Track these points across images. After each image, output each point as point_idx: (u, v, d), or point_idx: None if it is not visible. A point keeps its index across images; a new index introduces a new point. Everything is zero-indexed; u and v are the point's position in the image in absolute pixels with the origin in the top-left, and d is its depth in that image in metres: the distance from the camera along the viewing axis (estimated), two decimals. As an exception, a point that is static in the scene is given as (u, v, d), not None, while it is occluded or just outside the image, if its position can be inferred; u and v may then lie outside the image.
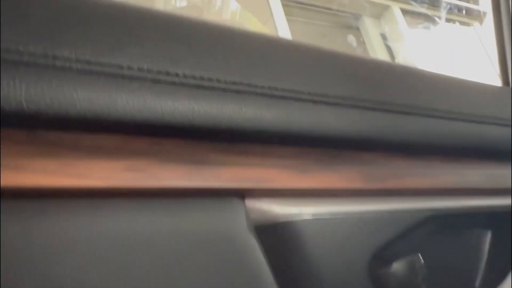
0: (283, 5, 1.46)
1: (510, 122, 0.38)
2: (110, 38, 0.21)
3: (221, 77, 0.24)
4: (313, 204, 0.28)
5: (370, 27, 1.66)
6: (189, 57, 0.23)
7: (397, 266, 0.32)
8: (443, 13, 1.83)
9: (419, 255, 0.32)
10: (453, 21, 1.86)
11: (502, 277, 0.39)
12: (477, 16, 1.89)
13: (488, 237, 0.38)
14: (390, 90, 0.32)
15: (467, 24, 1.89)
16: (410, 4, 1.73)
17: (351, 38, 1.57)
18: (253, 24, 1.88)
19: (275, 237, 0.27)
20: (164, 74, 0.22)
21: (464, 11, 1.86)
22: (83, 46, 0.20)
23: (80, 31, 0.21)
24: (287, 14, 1.47)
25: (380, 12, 1.69)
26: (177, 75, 0.23)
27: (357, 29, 1.68)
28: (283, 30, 1.45)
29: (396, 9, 1.68)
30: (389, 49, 1.65)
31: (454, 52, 1.82)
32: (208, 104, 0.23)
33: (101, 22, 0.22)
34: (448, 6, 1.83)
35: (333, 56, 0.31)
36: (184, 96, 0.22)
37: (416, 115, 0.32)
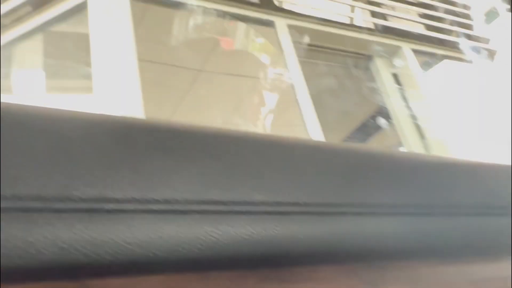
0: (295, 47, 1.48)
1: None
2: (156, 172, 0.21)
3: (268, 199, 0.23)
4: None
5: (381, 68, 1.67)
6: (232, 182, 0.23)
7: None
8: (454, 52, 1.83)
9: None
10: (465, 60, 1.87)
11: None
12: (488, 53, 1.90)
13: None
14: (431, 190, 0.31)
15: (478, 62, 1.89)
16: (421, 44, 1.74)
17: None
18: (268, 50, 1.89)
19: None
20: (211, 204, 0.22)
21: (475, 50, 1.87)
22: (132, 185, 0.20)
23: (128, 168, 0.21)
24: (299, 55, 1.48)
25: (392, 53, 1.70)
26: (223, 203, 0.22)
27: (368, 69, 1.69)
28: (295, 70, 1.46)
29: (407, 49, 1.69)
30: (400, 89, 1.66)
31: (467, 90, 1.82)
32: (256, 229, 0.23)
33: (147, 155, 0.22)
34: (459, 45, 1.84)
35: (370, 157, 0.30)
36: (231, 224, 0.22)
37: (458, 215, 0.31)
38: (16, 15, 1.37)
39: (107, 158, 0.21)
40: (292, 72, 1.42)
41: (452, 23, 1.85)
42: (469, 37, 1.88)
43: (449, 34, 1.83)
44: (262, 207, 0.23)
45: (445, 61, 1.86)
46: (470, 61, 1.87)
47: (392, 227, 0.27)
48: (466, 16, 1.92)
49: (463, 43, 1.85)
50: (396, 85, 1.66)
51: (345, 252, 0.25)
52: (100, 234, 0.19)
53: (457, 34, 1.85)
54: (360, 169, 0.29)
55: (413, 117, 1.61)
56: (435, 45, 1.79)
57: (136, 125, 0.23)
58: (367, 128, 1.95)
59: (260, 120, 2.14)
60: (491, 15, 2.03)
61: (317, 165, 0.27)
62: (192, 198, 0.21)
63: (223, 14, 1.54)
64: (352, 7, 1.72)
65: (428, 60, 1.81)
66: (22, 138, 0.20)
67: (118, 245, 0.19)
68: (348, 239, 0.25)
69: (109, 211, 0.19)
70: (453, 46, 1.84)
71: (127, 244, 0.19)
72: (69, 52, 1.57)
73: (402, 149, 1.64)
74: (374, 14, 1.71)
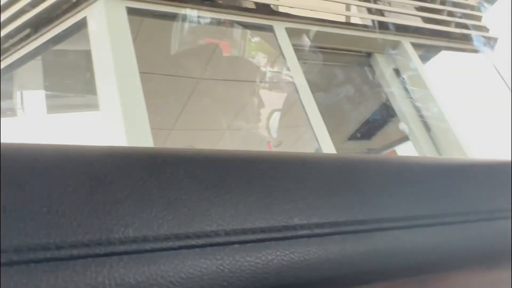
0: (295, 50, 1.48)
1: None
2: (191, 205, 0.21)
3: (306, 222, 0.23)
4: None
5: (382, 64, 1.67)
6: (269, 208, 0.23)
7: None
8: (454, 43, 1.83)
9: None
10: (464, 50, 1.87)
11: None
12: (488, 42, 1.90)
13: None
14: (467, 196, 0.31)
15: (478, 51, 1.89)
16: (420, 37, 1.74)
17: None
18: (266, 49, 1.90)
19: None
20: (250, 233, 0.22)
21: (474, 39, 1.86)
22: (169, 221, 0.20)
23: (163, 204, 0.21)
24: (299, 58, 1.49)
25: (392, 48, 1.70)
26: (262, 231, 0.22)
27: (370, 66, 1.69)
28: (297, 73, 1.46)
29: (407, 43, 1.69)
30: (403, 84, 1.65)
31: (469, 81, 1.81)
32: (296, 255, 0.22)
33: (180, 188, 0.22)
34: (459, 36, 1.84)
35: (400, 168, 0.30)
36: (271, 252, 0.22)
37: (492, 220, 0.30)
38: (17, 38, 1.38)
39: (141, 195, 0.20)
40: (294, 75, 1.42)
41: (449, 13, 1.85)
42: (468, 26, 1.88)
43: (447, 25, 1.83)
44: (301, 230, 0.23)
45: (444, 52, 1.86)
46: (470, 51, 1.86)
47: (431, 238, 0.27)
48: (464, 6, 1.92)
49: (462, 32, 1.85)
50: (398, 80, 1.66)
51: (385, 269, 0.25)
52: (143, 275, 0.19)
53: (456, 24, 1.85)
54: (389, 181, 0.28)
55: (418, 110, 1.61)
56: (434, 37, 1.78)
57: (165, 157, 0.23)
58: (372, 125, 1.95)
59: (263, 122, 2.14)
60: None
61: (351, 181, 0.27)
62: (230, 228, 0.21)
63: (220, 22, 1.54)
64: (348, 5, 1.72)
65: (426, 53, 1.81)
66: (54, 183, 0.19)
67: (162, 285, 0.19)
68: (387, 254, 0.25)
69: (149, 251, 0.19)
70: (452, 36, 1.84)
71: (171, 283, 0.19)
72: (72, 69, 1.58)
73: (407, 144, 1.64)
74: (370, 11, 1.71)
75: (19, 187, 0.18)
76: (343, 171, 0.28)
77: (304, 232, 0.23)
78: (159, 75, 1.90)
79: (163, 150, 0.24)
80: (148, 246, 0.19)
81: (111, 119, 1.21)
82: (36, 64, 1.58)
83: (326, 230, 0.24)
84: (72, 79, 1.64)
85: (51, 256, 0.17)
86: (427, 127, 1.59)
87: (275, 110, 2.09)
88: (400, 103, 1.61)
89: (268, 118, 2.11)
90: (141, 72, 1.32)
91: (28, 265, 0.17)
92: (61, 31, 1.35)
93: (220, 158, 0.24)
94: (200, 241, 0.20)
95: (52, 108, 1.78)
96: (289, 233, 0.23)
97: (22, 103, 1.79)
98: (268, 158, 0.26)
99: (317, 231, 0.23)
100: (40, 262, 0.17)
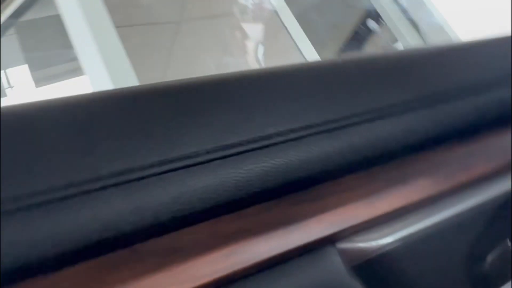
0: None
1: None
2: (169, 132, 0.23)
3: (280, 129, 0.24)
4: (398, 226, 0.28)
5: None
6: (242, 122, 0.24)
7: (492, 259, 0.31)
8: None
9: (508, 240, 0.31)
10: None
11: None
12: None
13: None
14: (432, 80, 0.31)
15: None
16: None
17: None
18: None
19: (373, 271, 0.27)
20: (228, 148, 0.23)
21: None
22: (151, 150, 0.22)
23: (142, 135, 0.22)
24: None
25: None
26: (240, 145, 0.23)
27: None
28: (280, 5, 1.41)
29: None
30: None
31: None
32: (276, 160, 0.24)
33: (155, 118, 0.23)
34: None
35: (364, 64, 0.30)
36: (252, 161, 0.23)
37: (460, 98, 0.31)
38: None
39: (120, 132, 0.22)
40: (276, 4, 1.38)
41: None
42: None
43: None
44: (277, 138, 0.24)
45: None
46: None
47: (403, 124, 0.28)
48: None
49: None
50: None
51: (363, 159, 0.27)
52: (136, 201, 0.20)
53: None
54: (358, 78, 0.29)
55: (403, 10, 1.56)
56: None
57: (134, 96, 0.24)
58: (360, 35, 1.91)
59: (251, 54, 2.11)
60: None
61: (316, 84, 0.28)
62: (209, 147, 0.22)
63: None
64: None
65: None
66: (38, 134, 0.21)
67: (156, 207, 0.21)
68: (363, 146, 0.26)
69: (138, 179, 0.21)
70: None
71: (164, 203, 0.21)
72: (47, 38, 1.54)
73: (398, 45, 1.61)
74: None
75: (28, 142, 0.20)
76: (308, 78, 0.28)
77: (280, 138, 0.24)
78: (136, 26, 1.84)
79: (132, 89, 0.25)
80: (135, 175, 0.21)
81: (99, 82, 1.20)
82: (11, 41, 1.54)
83: (301, 133, 0.25)
84: (51, 47, 1.60)
85: (48, 198, 0.19)
86: (415, 26, 1.55)
87: (261, 41, 2.04)
88: (384, 7, 1.56)
89: (255, 50, 2.07)
90: (117, 27, 1.29)
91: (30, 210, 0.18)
92: (23, 1, 1.30)
93: (188, 86, 0.25)
94: (183, 163, 0.22)
95: (40, 80, 1.77)
96: (266, 142, 0.24)
97: (8, 82, 1.77)
98: (234, 78, 0.27)
99: (292, 135, 0.25)
100: (38, 206, 0.19)
